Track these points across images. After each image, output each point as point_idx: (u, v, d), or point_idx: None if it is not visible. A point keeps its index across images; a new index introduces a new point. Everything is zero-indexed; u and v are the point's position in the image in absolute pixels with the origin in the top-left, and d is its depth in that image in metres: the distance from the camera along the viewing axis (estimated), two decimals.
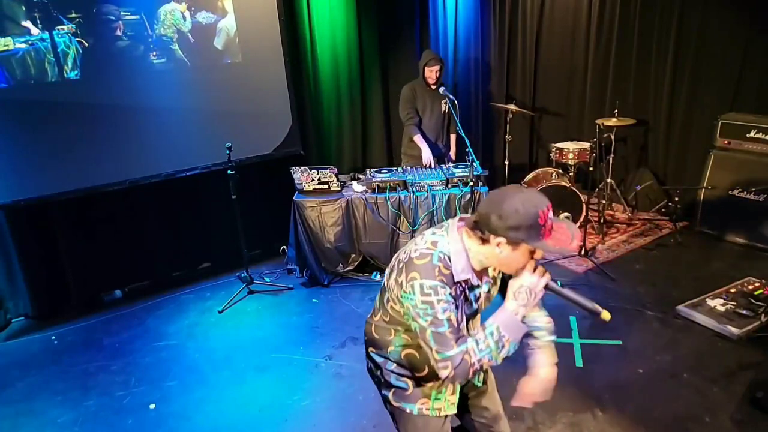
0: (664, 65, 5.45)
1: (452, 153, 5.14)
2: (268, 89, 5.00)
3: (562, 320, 3.90)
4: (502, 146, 6.31)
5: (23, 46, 3.94)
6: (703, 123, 5.19)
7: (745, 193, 4.78)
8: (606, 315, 1.78)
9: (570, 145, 5.62)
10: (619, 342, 3.61)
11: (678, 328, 3.73)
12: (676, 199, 5.25)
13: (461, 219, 1.77)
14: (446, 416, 1.99)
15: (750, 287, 4.01)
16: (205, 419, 3.14)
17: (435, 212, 4.44)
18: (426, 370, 1.87)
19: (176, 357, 3.75)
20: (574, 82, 6.33)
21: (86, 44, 4.15)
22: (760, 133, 4.70)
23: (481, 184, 4.46)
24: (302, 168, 4.54)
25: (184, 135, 4.63)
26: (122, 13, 4.24)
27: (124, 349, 3.87)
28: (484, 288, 1.85)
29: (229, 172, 4.21)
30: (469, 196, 4.41)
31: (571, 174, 5.56)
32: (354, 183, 4.65)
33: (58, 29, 4.03)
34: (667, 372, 3.30)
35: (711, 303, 3.85)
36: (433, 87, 4.77)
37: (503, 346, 1.64)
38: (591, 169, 5.07)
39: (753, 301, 3.77)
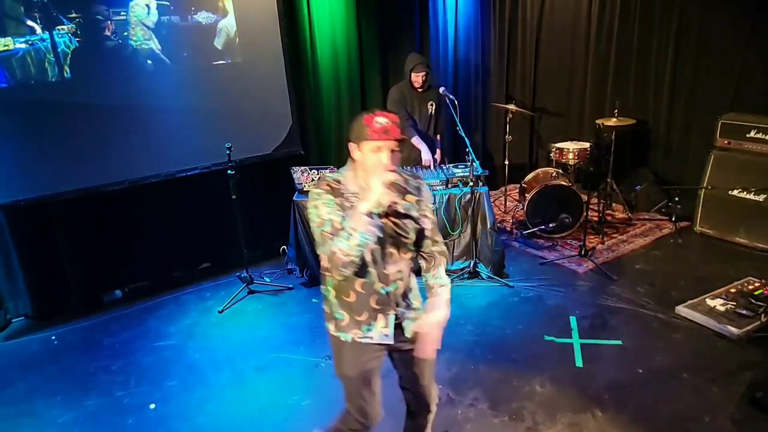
0: (664, 65, 5.45)
1: (438, 154, 5.08)
2: (268, 89, 5.00)
3: (562, 320, 3.91)
4: (502, 146, 6.32)
5: (23, 46, 3.94)
6: (703, 123, 5.19)
7: (745, 193, 4.78)
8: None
9: (570, 145, 5.62)
10: (619, 342, 3.61)
11: (678, 328, 3.73)
12: (676, 199, 5.25)
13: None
14: (379, 347, 2.21)
15: (750, 287, 4.00)
16: (206, 419, 3.14)
17: (435, 212, 4.43)
18: (353, 296, 2.12)
19: (176, 357, 3.75)
20: (574, 82, 6.33)
21: (87, 44, 4.15)
22: (761, 133, 4.70)
23: (481, 184, 4.46)
24: (302, 168, 4.53)
25: (184, 135, 4.63)
26: (122, 12, 4.24)
27: (124, 349, 3.87)
28: (385, 210, 2.06)
29: (229, 172, 4.20)
30: (469, 196, 4.41)
31: (571, 174, 5.56)
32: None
33: (58, 29, 4.03)
34: (666, 372, 3.30)
35: (711, 303, 3.85)
36: (419, 90, 4.76)
37: (351, 236, 1.90)
38: (591, 169, 5.08)
39: (753, 301, 3.77)
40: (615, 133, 5.34)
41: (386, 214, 2.05)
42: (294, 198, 4.48)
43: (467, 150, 4.32)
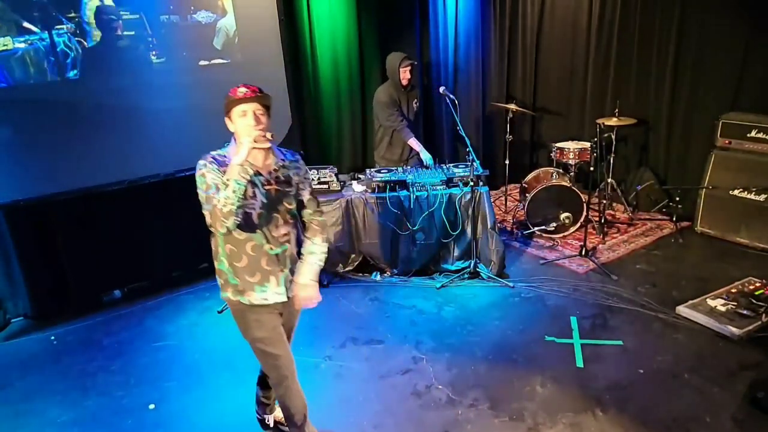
0: (664, 65, 5.44)
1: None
2: (267, 89, 4.90)
3: (562, 320, 3.90)
4: (502, 146, 6.31)
5: (22, 45, 3.93)
6: (704, 123, 5.18)
7: (746, 192, 4.77)
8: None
9: (571, 145, 5.62)
10: (620, 342, 3.60)
11: (679, 328, 3.72)
12: (677, 198, 5.25)
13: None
14: (274, 307, 2.46)
15: (751, 287, 4.00)
16: (205, 419, 3.14)
17: (435, 212, 4.43)
18: (244, 260, 2.36)
19: (175, 357, 3.74)
20: (575, 81, 6.33)
21: (86, 44, 4.14)
22: (761, 133, 4.69)
23: (481, 183, 4.45)
24: None
25: (183, 135, 4.61)
26: (121, 12, 4.23)
27: (124, 349, 3.87)
28: (267, 177, 2.34)
29: None
30: (469, 196, 4.40)
31: (572, 174, 5.55)
32: (354, 183, 4.64)
33: (57, 29, 4.02)
34: (667, 372, 3.29)
35: (712, 303, 3.84)
36: (405, 87, 4.75)
37: (227, 185, 2.15)
38: (592, 168, 5.07)
39: (754, 301, 3.76)
40: (616, 133, 5.33)
41: (269, 182, 2.33)
42: None
43: (467, 150, 4.31)
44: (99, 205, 4.41)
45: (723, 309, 3.75)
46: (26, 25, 3.92)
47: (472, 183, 4.38)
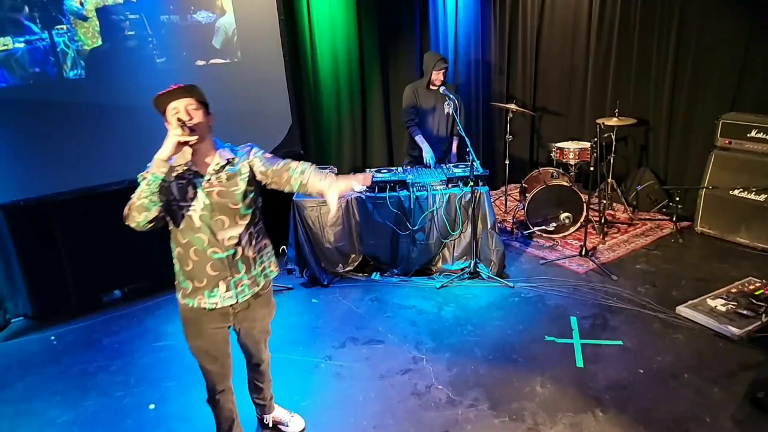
0: (664, 64, 5.44)
1: (453, 153, 5.12)
2: (267, 89, 4.99)
3: (562, 320, 3.90)
4: (502, 146, 6.31)
5: (22, 45, 3.93)
6: (704, 123, 5.18)
7: (746, 192, 4.77)
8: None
9: (570, 145, 5.62)
10: (620, 342, 3.60)
11: (679, 328, 3.72)
12: (677, 198, 5.25)
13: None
14: (224, 312, 2.39)
15: (751, 287, 4.00)
16: (205, 419, 3.12)
17: (435, 212, 4.44)
18: (191, 265, 2.29)
19: (175, 357, 3.74)
20: (575, 81, 6.33)
21: (85, 44, 4.14)
22: (761, 133, 4.69)
23: (481, 183, 4.45)
24: None
25: None
26: (121, 12, 4.23)
27: (124, 349, 3.87)
28: (207, 177, 2.25)
29: None
30: (469, 196, 4.40)
31: (572, 174, 5.55)
32: (354, 183, 4.62)
33: (57, 29, 4.02)
34: (667, 372, 3.29)
35: (712, 303, 3.84)
36: (434, 88, 4.75)
37: (145, 179, 2.12)
38: (592, 168, 5.07)
39: (754, 301, 3.76)
40: (616, 133, 5.33)
41: (209, 182, 2.24)
42: (294, 198, 4.47)
43: (468, 150, 4.31)
44: (99, 205, 4.39)
45: (723, 309, 3.75)
46: (26, 24, 3.92)
47: (472, 183, 4.38)
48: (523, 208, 5.29)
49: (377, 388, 3.30)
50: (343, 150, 5.92)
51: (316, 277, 4.57)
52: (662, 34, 5.42)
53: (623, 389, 3.16)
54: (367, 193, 4.46)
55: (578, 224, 5.23)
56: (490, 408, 3.07)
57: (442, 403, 3.14)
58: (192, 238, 2.26)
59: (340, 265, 4.64)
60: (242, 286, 2.38)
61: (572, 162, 5.52)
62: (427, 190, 4.42)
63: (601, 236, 5.20)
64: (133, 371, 3.60)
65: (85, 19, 4.12)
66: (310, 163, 2.44)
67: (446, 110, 4.86)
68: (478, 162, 4.40)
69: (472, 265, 4.52)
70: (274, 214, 4.98)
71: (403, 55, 6.05)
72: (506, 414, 3.02)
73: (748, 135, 4.76)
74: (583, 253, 4.76)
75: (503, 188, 6.30)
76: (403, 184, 4.47)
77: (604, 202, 5.48)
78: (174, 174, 2.21)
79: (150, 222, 2.16)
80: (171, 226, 2.32)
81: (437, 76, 4.69)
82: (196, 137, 2.14)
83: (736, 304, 3.78)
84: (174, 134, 2.10)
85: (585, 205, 4.97)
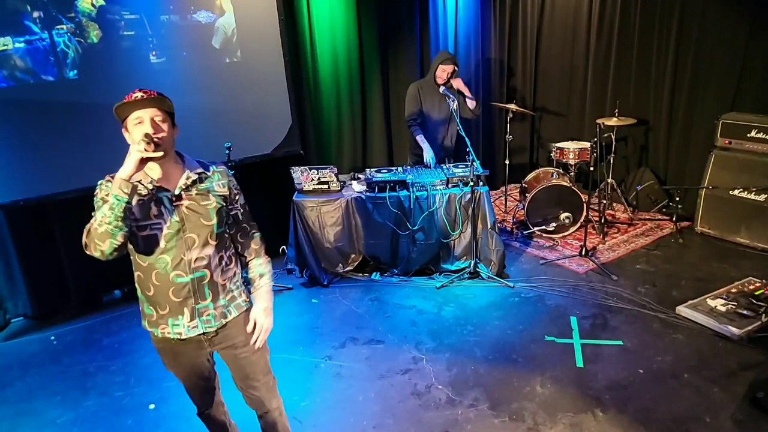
0: (664, 64, 5.44)
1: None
2: (267, 89, 5.00)
3: (562, 320, 3.90)
4: (502, 146, 6.31)
5: (22, 45, 3.93)
6: (704, 123, 5.18)
7: (746, 192, 4.77)
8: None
9: (570, 145, 5.62)
10: (620, 342, 3.60)
11: (679, 328, 3.72)
12: (677, 199, 5.25)
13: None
14: (196, 343, 2.17)
15: (751, 287, 4.00)
16: None
17: (435, 212, 4.43)
18: (152, 290, 2.09)
19: None
20: (575, 81, 6.33)
21: (86, 44, 4.14)
22: (761, 133, 4.69)
23: (481, 183, 4.45)
24: (302, 168, 4.53)
25: (183, 135, 4.54)
26: (121, 12, 4.23)
27: (124, 349, 3.87)
28: (176, 192, 2.02)
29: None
30: (469, 195, 4.40)
31: (572, 174, 5.56)
32: (354, 183, 4.64)
33: (57, 29, 4.02)
34: (667, 372, 3.29)
35: (712, 303, 3.84)
36: (440, 86, 4.74)
37: (106, 202, 1.87)
38: (592, 168, 5.07)
39: (754, 301, 3.76)
40: (616, 133, 5.33)
41: (178, 197, 2.01)
42: (294, 198, 4.47)
43: (468, 150, 4.31)
44: None
45: (723, 309, 3.75)
46: (26, 24, 3.92)
47: (472, 183, 4.38)
48: (523, 208, 5.29)
49: (377, 388, 3.30)
50: (343, 150, 5.92)
51: (316, 277, 4.57)
52: (662, 34, 5.42)
53: (623, 389, 3.16)
54: (367, 193, 4.46)
55: (578, 224, 5.23)
56: (490, 408, 3.07)
57: (442, 403, 3.14)
58: (154, 260, 2.03)
59: (340, 265, 4.64)
60: (208, 315, 2.13)
61: (572, 162, 5.52)
62: (427, 190, 4.42)
63: (601, 236, 5.20)
64: (133, 371, 3.60)
65: (86, 18, 4.12)
66: (270, 270, 2.39)
67: (451, 107, 4.85)
68: (478, 162, 4.40)
69: (472, 265, 4.52)
70: (274, 214, 5.00)
71: (403, 55, 6.04)
72: (506, 414, 3.02)
73: (748, 135, 4.76)
74: (583, 253, 4.76)
75: (503, 188, 6.30)
76: (403, 184, 4.47)
77: (604, 202, 5.48)
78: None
79: (116, 250, 1.89)
80: (129, 248, 2.05)
81: (442, 73, 4.68)
82: (162, 153, 1.88)
83: (736, 304, 3.78)
84: (137, 150, 1.84)
85: (585, 205, 4.97)
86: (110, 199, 1.84)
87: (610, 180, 5.47)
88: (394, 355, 3.61)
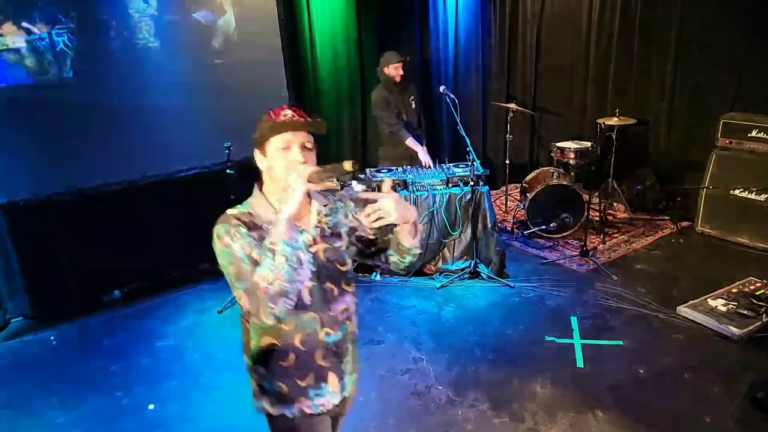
0: (665, 64, 5.43)
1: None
2: (267, 88, 4.99)
3: (563, 321, 3.89)
4: (503, 145, 6.30)
5: (22, 45, 3.93)
6: (705, 123, 5.17)
7: (747, 192, 4.76)
8: (347, 165, 1.60)
9: (571, 145, 5.61)
10: (621, 342, 3.59)
11: (679, 328, 3.71)
12: (678, 198, 5.24)
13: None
14: (331, 412, 1.82)
15: (751, 287, 3.99)
16: (204, 420, 3.13)
17: (435, 212, 4.43)
18: (292, 358, 1.69)
19: (175, 358, 3.74)
20: (575, 81, 6.32)
21: (85, 44, 4.14)
22: (762, 133, 4.68)
23: (481, 183, 4.44)
24: None
25: (183, 134, 4.62)
26: (121, 12, 4.23)
27: (123, 350, 3.86)
28: (312, 233, 1.69)
29: (228, 171, 4.19)
30: (469, 195, 4.40)
31: (572, 173, 5.55)
32: (354, 182, 4.61)
33: (57, 28, 4.01)
34: (668, 372, 3.28)
35: (712, 303, 3.83)
36: (399, 85, 4.74)
37: (274, 252, 1.47)
38: (592, 168, 5.05)
39: (754, 301, 3.76)
40: (616, 133, 5.32)
41: (314, 240, 1.69)
42: None
43: (468, 149, 4.30)
44: (99, 206, 4.40)
45: (723, 309, 3.74)
46: (26, 25, 3.92)
47: (472, 183, 4.38)
48: (524, 208, 5.29)
49: (377, 388, 3.30)
50: (343, 150, 5.91)
51: None
52: (663, 33, 5.40)
53: (623, 389, 3.15)
54: (368, 193, 4.44)
55: (578, 224, 5.23)
56: (490, 408, 3.07)
57: (442, 403, 3.14)
58: (300, 321, 1.66)
59: None
60: (349, 373, 1.83)
61: (573, 162, 5.51)
62: (427, 190, 4.41)
63: (602, 236, 5.19)
64: (132, 372, 3.60)
65: (86, 18, 4.12)
66: None
67: (413, 105, 4.86)
68: (478, 162, 4.39)
69: (472, 265, 4.51)
70: None
71: (403, 54, 6.02)
72: (506, 414, 3.02)
73: (749, 135, 4.75)
74: (584, 253, 4.76)
75: (503, 188, 6.30)
76: (404, 184, 4.46)
77: (605, 201, 5.47)
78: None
79: (290, 308, 1.52)
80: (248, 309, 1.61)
81: (396, 72, 4.69)
82: (336, 184, 1.61)
83: (736, 304, 3.77)
84: (300, 186, 1.52)
85: (585, 205, 4.96)
86: (280, 249, 1.47)
87: (610, 180, 5.46)
88: (394, 356, 3.61)
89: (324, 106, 5.63)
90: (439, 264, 4.64)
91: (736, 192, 4.83)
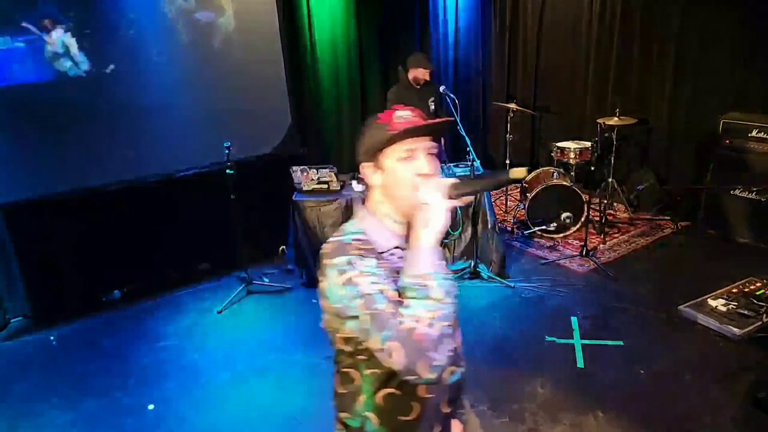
0: (666, 64, 5.43)
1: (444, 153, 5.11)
2: (267, 88, 4.99)
3: (563, 321, 3.89)
4: (503, 145, 6.30)
5: (22, 45, 3.92)
6: (705, 122, 5.17)
7: (747, 192, 4.76)
8: (519, 172, 1.34)
9: (571, 145, 5.60)
10: (621, 342, 3.59)
11: (679, 328, 3.71)
12: (678, 198, 5.23)
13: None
14: None
15: (752, 287, 3.98)
16: (204, 420, 3.13)
17: None
18: (416, 410, 1.37)
19: (175, 358, 3.73)
20: (576, 80, 6.32)
21: (85, 43, 4.13)
22: (762, 133, 4.67)
23: None
24: (302, 167, 4.52)
25: (183, 134, 4.62)
26: (121, 11, 4.23)
27: (123, 350, 3.86)
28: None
29: (227, 171, 4.19)
30: None
31: (573, 173, 5.54)
32: (354, 182, 4.63)
33: (57, 28, 4.01)
34: (668, 372, 3.28)
35: (712, 303, 3.82)
36: (419, 88, 4.75)
37: (427, 287, 1.21)
38: (592, 168, 5.05)
39: (754, 301, 3.75)
40: (616, 133, 5.32)
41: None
42: (293, 198, 4.47)
43: (468, 149, 4.30)
44: (99, 205, 4.40)
45: (724, 309, 3.74)
46: (25, 25, 3.92)
47: None
48: (524, 208, 5.28)
49: None
50: (343, 150, 5.91)
51: (315, 277, 4.51)
52: (663, 33, 5.40)
53: (624, 389, 3.15)
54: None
55: (579, 224, 5.22)
56: (490, 408, 3.06)
57: None
58: None
59: None
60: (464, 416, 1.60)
61: (573, 162, 5.51)
62: None
63: (602, 236, 5.18)
64: (132, 372, 3.59)
65: (86, 18, 4.11)
66: None
67: (431, 108, 4.86)
68: (478, 162, 4.39)
69: (472, 265, 4.51)
70: (273, 214, 4.99)
71: (403, 55, 6.00)
72: (506, 414, 3.01)
73: (749, 134, 4.74)
74: (584, 253, 4.75)
75: (503, 188, 6.29)
76: None
77: (605, 201, 5.46)
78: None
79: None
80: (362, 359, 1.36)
81: (423, 75, 4.71)
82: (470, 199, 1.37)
83: (736, 304, 3.77)
84: (442, 203, 1.26)
85: (586, 204, 4.95)
86: (434, 283, 1.21)
87: (610, 180, 5.45)
88: None
89: (324, 106, 5.62)
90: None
91: (736, 192, 4.82)
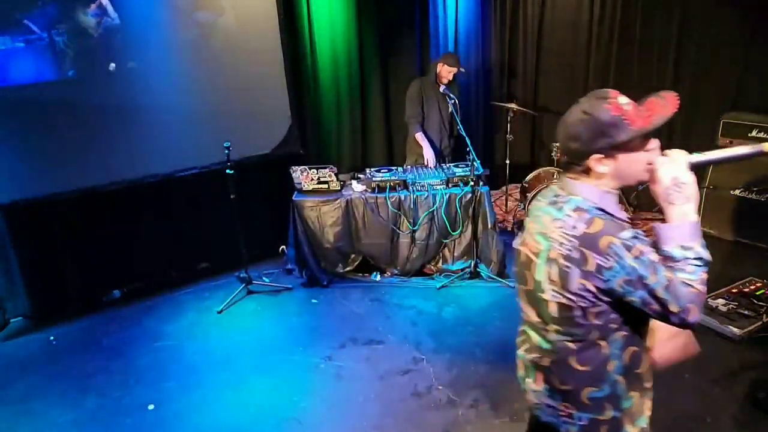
0: (665, 64, 5.42)
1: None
2: (267, 88, 4.98)
3: None
4: (503, 145, 6.30)
5: (21, 45, 3.92)
6: (705, 122, 5.17)
7: (747, 192, 4.76)
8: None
9: None
10: None
11: None
12: None
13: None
14: None
15: (752, 287, 3.98)
16: (204, 420, 3.13)
17: (435, 212, 4.42)
18: (646, 361, 1.56)
19: (175, 357, 3.73)
20: (576, 80, 6.31)
21: (85, 44, 4.13)
22: (762, 133, 4.67)
23: (482, 183, 4.44)
24: (302, 167, 4.52)
25: (182, 134, 4.61)
26: (120, 12, 4.22)
27: (123, 350, 3.86)
28: None
29: (227, 171, 4.19)
30: (469, 195, 4.39)
31: None
32: (354, 182, 4.63)
33: (57, 28, 4.01)
34: (668, 373, 3.24)
35: (713, 303, 3.82)
36: (442, 86, 4.75)
37: (700, 252, 1.49)
38: None
39: (755, 301, 3.75)
40: None
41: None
42: (293, 198, 4.47)
43: (468, 149, 4.30)
44: (99, 205, 4.40)
45: (724, 309, 3.74)
46: (25, 23, 3.92)
47: (472, 183, 4.37)
48: (524, 208, 5.28)
49: (377, 388, 3.30)
50: (343, 150, 5.91)
51: (315, 277, 4.56)
52: (663, 33, 5.40)
53: None
54: (367, 193, 4.45)
55: None
56: (490, 408, 3.06)
57: (443, 403, 3.14)
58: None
59: (340, 265, 4.64)
60: None
61: None
62: (427, 190, 4.41)
63: None
64: (132, 371, 3.60)
65: (86, 18, 4.11)
66: None
67: (450, 108, 4.85)
68: (478, 161, 4.39)
69: (472, 265, 4.51)
70: (273, 214, 5.00)
71: (403, 55, 6.03)
72: (507, 415, 3.01)
73: (749, 135, 4.74)
74: None
75: (504, 188, 6.29)
76: (403, 184, 4.46)
77: None
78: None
79: None
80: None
81: (448, 74, 4.72)
82: None
83: (736, 304, 3.77)
84: (691, 178, 1.43)
85: None
86: (699, 250, 1.49)
87: None
88: (394, 356, 3.60)
89: (324, 105, 5.62)
90: (440, 264, 4.64)
91: (737, 192, 4.82)
